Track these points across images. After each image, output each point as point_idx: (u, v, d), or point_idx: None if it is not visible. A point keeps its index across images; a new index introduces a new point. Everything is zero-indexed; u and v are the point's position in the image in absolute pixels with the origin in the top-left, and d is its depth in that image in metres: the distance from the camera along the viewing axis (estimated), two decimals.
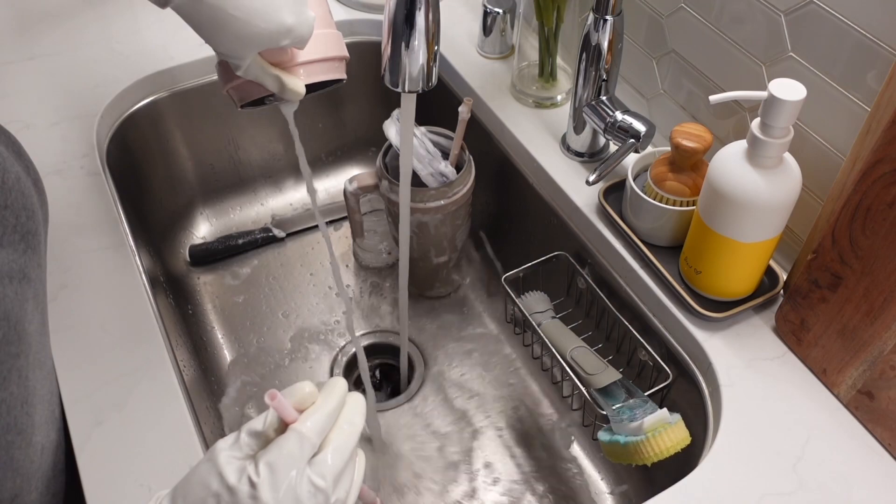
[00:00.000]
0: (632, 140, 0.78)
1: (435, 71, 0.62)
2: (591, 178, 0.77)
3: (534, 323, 0.80)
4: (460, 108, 0.83)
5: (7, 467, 0.54)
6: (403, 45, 0.60)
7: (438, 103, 1.03)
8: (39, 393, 0.59)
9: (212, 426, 0.84)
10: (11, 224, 0.50)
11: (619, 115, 0.79)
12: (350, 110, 1.13)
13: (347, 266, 1.07)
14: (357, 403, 0.49)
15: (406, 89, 0.63)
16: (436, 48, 0.61)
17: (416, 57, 0.60)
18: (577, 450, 0.89)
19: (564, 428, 0.91)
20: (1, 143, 0.54)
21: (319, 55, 0.60)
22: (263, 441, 0.46)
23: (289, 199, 1.15)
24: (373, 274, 1.06)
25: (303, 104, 0.62)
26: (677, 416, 0.68)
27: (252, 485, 0.44)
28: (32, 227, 0.52)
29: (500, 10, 0.96)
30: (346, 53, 0.63)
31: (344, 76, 0.64)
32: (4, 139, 0.55)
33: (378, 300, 1.03)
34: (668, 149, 0.74)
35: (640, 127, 0.78)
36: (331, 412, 0.47)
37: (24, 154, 0.56)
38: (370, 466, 0.88)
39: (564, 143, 0.88)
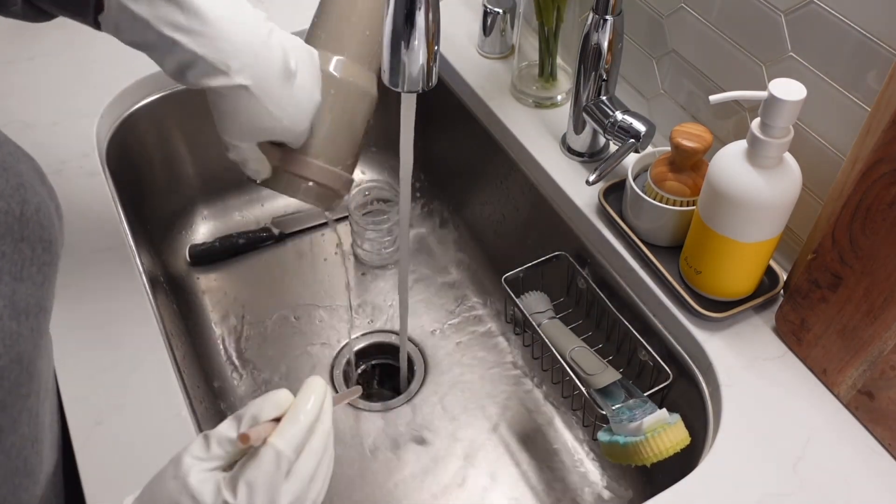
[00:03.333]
0: (632, 140, 0.78)
1: (435, 71, 0.62)
2: (591, 178, 0.77)
3: (534, 323, 0.80)
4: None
5: None
6: (403, 45, 0.60)
7: (438, 103, 1.03)
8: (47, 423, 0.58)
9: (212, 426, 0.83)
10: (28, 256, 0.49)
11: (619, 115, 0.79)
12: None
13: (346, 268, 1.07)
14: (328, 405, 0.49)
15: (406, 89, 0.62)
16: (436, 48, 0.61)
17: (416, 57, 0.60)
18: (576, 450, 0.89)
19: (564, 428, 0.91)
20: (26, 168, 0.52)
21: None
22: (235, 449, 0.45)
23: (289, 199, 1.14)
24: (373, 273, 1.06)
25: None
26: (677, 417, 0.68)
27: None
28: (48, 259, 0.52)
29: (500, 10, 0.96)
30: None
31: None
32: (28, 164, 0.53)
33: (379, 300, 1.03)
34: (668, 149, 0.74)
35: (640, 127, 0.78)
36: (309, 426, 0.46)
37: (46, 180, 0.55)
38: (379, 465, 0.88)
39: (564, 143, 0.88)
